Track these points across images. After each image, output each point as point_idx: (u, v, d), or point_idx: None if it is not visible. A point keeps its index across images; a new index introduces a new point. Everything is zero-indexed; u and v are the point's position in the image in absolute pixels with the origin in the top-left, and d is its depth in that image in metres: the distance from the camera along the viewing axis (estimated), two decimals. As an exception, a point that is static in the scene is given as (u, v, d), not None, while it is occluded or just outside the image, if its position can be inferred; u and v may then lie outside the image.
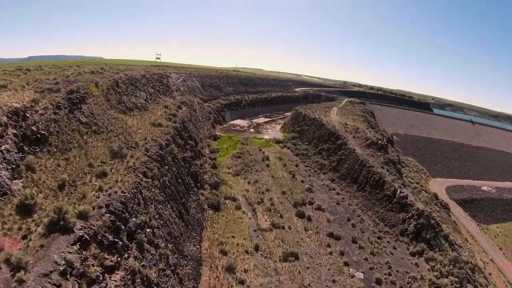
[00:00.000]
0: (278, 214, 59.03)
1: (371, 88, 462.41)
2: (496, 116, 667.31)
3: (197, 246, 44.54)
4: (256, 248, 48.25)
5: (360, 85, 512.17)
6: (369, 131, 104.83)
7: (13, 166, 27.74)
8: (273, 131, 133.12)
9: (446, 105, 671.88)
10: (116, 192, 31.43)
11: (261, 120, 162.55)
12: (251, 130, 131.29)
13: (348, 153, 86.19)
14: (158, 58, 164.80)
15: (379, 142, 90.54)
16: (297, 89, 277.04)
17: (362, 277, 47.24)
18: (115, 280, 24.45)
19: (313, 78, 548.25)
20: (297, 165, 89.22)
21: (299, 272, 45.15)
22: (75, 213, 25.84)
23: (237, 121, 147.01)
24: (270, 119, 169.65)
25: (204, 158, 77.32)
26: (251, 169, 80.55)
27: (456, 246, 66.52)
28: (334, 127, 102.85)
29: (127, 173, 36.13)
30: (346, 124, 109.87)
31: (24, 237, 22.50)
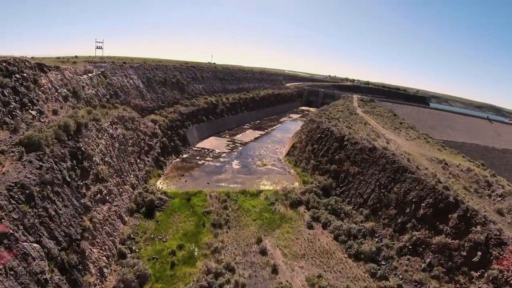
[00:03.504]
0: None
1: (355, 81, 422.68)
2: (480, 107, 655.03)
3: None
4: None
5: (347, 79, 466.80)
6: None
7: None
8: (275, 163, 72.72)
9: (431, 97, 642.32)
10: None
11: (248, 135, 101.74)
12: (234, 163, 70.00)
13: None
14: (99, 48, 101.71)
15: None
16: (288, 85, 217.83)
17: None
18: None
19: (297, 73, 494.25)
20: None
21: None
22: None
23: (210, 142, 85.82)
24: (262, 132, 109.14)
25: None
26: None
27: None
28: (434, 176, 43.64)
29: None
30: (446, 164, 50.94)
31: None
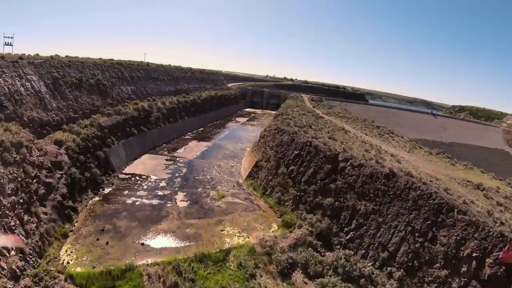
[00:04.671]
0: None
1: (295, 80, 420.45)
2: (412, 101, 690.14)
3: None
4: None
5: (286, 78, 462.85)
6: None
7: None
8: (235, 191, 53.98)
9: (366, 94, 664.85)
10: None
11: (192, 148, 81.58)
12: (180, 198, 49.51)
13: None
14: (8, 44, 74.42)
15: None
16: (230, 85, 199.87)
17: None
18: None
19: (235, 73, 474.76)
20: None
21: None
22: None
23: (143, 164, 64.39)
24: (208, 143, 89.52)
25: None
26: None
27: None
28: (491, 214, 29.25)
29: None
30: (485, 189, 36.57)
31: None
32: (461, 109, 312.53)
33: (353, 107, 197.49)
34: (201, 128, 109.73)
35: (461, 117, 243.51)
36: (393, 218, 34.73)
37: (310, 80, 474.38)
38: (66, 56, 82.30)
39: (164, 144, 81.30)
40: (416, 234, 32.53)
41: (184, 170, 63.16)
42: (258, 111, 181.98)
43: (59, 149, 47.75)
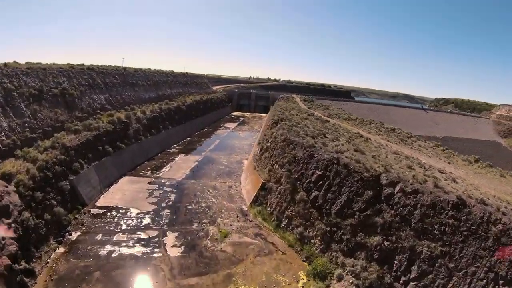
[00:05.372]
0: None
1: (279, 80, 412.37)
2: (395, 96, 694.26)
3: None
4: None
5: (269, 79, 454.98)
6: None
7: None
8: (240, 223, 43.22)
9: (350, 91, 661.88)
10: None
11: (180, 165, 70.07)
12: (170, 242, 38.06)
13: None
14: None
15: None
16: (214, 88, 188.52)
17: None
18: None
19: (217, 75, 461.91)
20: None
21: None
22: None
23: (120, 191, 52.59)
24: (198, 157, 78.14)
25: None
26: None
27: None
28: None
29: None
30: None
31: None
32: (446, 101, 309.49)
33: (345, 106, 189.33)
34: (188, 138, 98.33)
35: (448, 110, 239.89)
36: (469, 262, 24.93)
37: (293, 79, 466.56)
38: (27, 63, 69.67)
39: (146, 162, 69.64)
40: (501, 282, 23.10)
41: (173, 197, 51.70)
42: (246, 114, 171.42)
43: (7, 186, 35.87)
